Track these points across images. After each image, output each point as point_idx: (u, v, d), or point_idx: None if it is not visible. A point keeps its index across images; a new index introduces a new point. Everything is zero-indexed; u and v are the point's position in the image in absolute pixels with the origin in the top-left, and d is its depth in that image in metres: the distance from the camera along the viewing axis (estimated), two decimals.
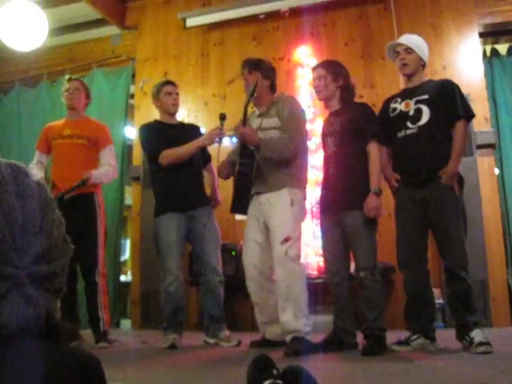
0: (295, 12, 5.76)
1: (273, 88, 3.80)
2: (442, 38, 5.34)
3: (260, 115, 3.69)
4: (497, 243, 4.93)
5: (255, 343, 3.64)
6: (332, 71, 3.58)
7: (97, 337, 3.92)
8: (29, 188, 0.80)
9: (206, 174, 4.18)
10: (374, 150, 3.40)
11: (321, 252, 3.81)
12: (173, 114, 4.15)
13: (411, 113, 3.39)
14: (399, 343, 3.32)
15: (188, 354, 3.58)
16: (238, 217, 4.21)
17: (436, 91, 3.37)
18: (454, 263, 3.20)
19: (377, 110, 3.87)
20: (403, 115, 3.42)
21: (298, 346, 3.23)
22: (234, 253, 5.00)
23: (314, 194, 4.77)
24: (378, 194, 3.32)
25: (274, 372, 1.75)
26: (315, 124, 5.29)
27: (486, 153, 5.06)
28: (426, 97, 3.36)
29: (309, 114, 5.19)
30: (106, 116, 5.93)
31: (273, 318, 3.54)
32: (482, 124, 5.00)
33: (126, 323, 6.24)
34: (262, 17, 5.86)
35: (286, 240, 3.39)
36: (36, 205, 0.79)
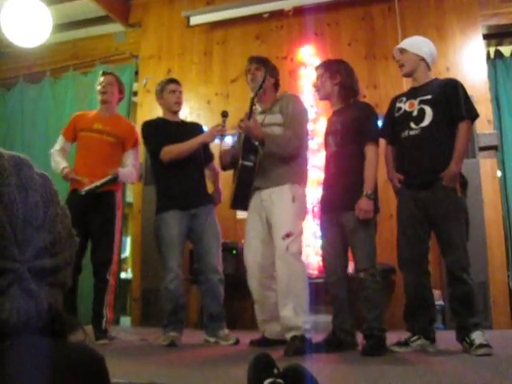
0: (299, 11, 5.74)
1: (276, 86, 3.82)
2: (446, 39, 5.33)
3: (263, 112, 3.70)
4: (498, 245, 4.92)
5: (255, 342, 3.64)
6: (329, 69, 3.60)
7: (97, 333, 3.92)
8: (32, 181, 0.79)
9: (208, 173, 4.18)
10: (371, 152, 3.40)
11: (321, 252, 3.81)
12: (176, 112, 4.16)
13: (415, 113, 3.38)
14: (399, 344, 3.32)
15: (187, 352, 3.58)
16: (239, 213, 4.21)
17: (439, 91, 3.36)
18: (455, 265, 3.19)
19: (379, 110, 3.88)
20: (407, 115, 3.41)
21: (298, 345, 3.23)
22: (234, 251, 5.00)
23: (315, 193, 4.77)
24: (370, 197, 3.31)
25: (275, 371, 1.75)
26: (318, 123, 5.28)
27: (489, 155, 5.05)
28: (429, 97, 3.35)
29: (311, 114, 5.18)
30: None
31: (273, 315, 3.54)
32: (484, 126, 4.99)
33: (125, 320, 6.24)
34: (265, 16, 5.85)
35: (288, 235, 3.39)
36: (39, 198, 0.78)
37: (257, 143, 3.52)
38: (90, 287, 4.14)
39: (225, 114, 3.85)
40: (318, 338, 3.45)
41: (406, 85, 3.84)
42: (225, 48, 6.11)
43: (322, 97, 3.71)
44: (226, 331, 3.88)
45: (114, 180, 3.98)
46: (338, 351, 3.30)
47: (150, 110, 5.89)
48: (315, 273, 4.81)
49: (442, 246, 3.32)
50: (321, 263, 4.57)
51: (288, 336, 3.34)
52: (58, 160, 4.14)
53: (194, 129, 4.16)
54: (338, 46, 5.66)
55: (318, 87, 3.67)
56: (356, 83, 3.63)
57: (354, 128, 3.45)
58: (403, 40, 3.68)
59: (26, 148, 6.54)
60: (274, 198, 3.52)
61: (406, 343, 3.31)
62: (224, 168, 3.91)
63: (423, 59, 3.48)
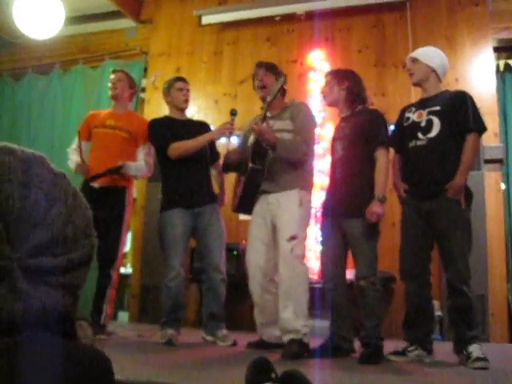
0: (311, 15, 5.76)
1: (283, 92, 3.82)
2: (456, 50, 5.33)
3: (272, 117, 3.70)
4: (499, 258, 4.92)
5: (253, 344, 3.64)
6: (337, 75, 3.63)
7: (95, 328, 3.93)
8: (38, 178, 0.78)
9: (213, 172, 4.18)
10: (382, 157, 3.40)
11: (320, 256, 3.82)
12: (183, 110, 4.17)
13: (423, 124, 3.38)
14: (396, 353, 3.31)
15: (185, 351, 3.59)
16: (242, 215, 4.21)
17: (448, 102, 3.36)
18: (456, 277, 3.19)
19: (387, 118, 3.87)
20: (415, 125, 3.42)
21: (296, 349, 3.24)
22: (235, 252, 5.01)
23: (318, 198, 4.77)
24: (383, 200, 3.31)
25: (273, 375, 1.75)
26: (324, 129, 5.29)
27: (494, 168, 5.06)
28: (437, 108, 3.35)
29: (319, 119, 5.19)
30: None
31: (272, 319, 3.54)
32: (491, 139, 5.00)
33: (123, 315, 6.26)
34: (277, 19, 5.86)
35: (293, 238, 3.40)
36: (42, 196, 0.76)
37: (267, 147, 3.53)
38: (91, 280, 4.14)
39: (234, 113, 3.86)
40: (314, 342, 3.46)
41: (415, 94, 3.85)
42: (235, 49, 6.13)
43: (329, 102, 3.72)
44: (225, 332, 3.88)
45: (118, 170, 3.98)
46: (335, 357, 3.30)
47: (158, 106, 5.90)
48: (315, 277, 4.82)
49: (443, 258, 3.32)
50: (320, 266, 4.59)
51: (286, 339, 3.34)
52: (73, 158, 4.19)
53: (201, 127, 4.16)
54: (348, 53, 5.67)
55: (325, 93, 3.69)
56: (364, 91, 3.63)
57: (362, 133, 3.46)
58: (414, 49, 3.70)
59: (32, 139, 6.57)
60: (281, 202, 3.53)
61: (403, 353, 3.31)
62: (225, 168, 3.93)
63: (434, 70, 3.48)
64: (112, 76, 4.34)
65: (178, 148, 3.89)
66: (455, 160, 3.26)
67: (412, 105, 3.60)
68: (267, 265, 3.60)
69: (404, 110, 3.61)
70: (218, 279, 3.89)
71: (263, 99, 3.77)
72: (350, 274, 3.71)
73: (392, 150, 3.60)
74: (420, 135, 3.37)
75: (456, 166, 3.25)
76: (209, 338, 3.89)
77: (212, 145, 4.07)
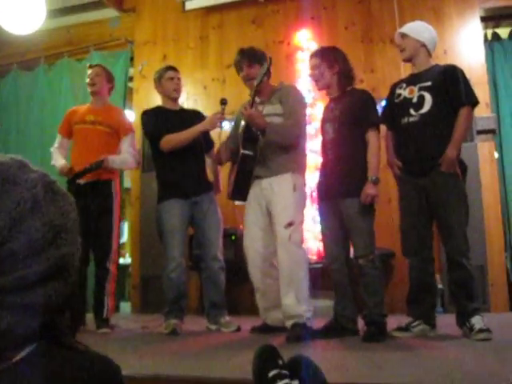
0: None
1: (268, 76, 3.77)
2: (444, 22, 5.30)
3: (262, 102, 3.67)
4: (496, 228, 4.94)
5: (256, 329, 3.66)
6: (326, 58, 3.56)
7: (98, 322, 3.94)
8: None
9: (208, 160, 4.17)
10: (373, 138, 3.40)
11: (320, 237, 3.82)
12: (175, 99, 4.14)
13: (414, 100, 3.37)
14: (400, 329, 3.34)
15: (189, 340, 3.59)
16: (238, 203, 4.21)
17: (439, 77, 3.35)
18: (455, 250, 3.21)
19: (376, 94, 3.86)
20: (407, 102, 3.41)
21: (300, 332, 3.25)
22: (233, 237, 5.00)
23: (313, 178, 4.77)
24: (376, 182, 3.31)
25: (280, 362, 1.75)
26: (315, 109, 5.26)
27: (487, 138, 5.06)
28: (429, 83, 3.34)
29: (308, 99, 5.17)
30: None
31: (275, 303, 3.55)
32: (482, 109, 4.97)
33: (124, 306, 6.27)
34: (262, 0, 5.80)
35: (290, 224, 3.40)
36: None
37: (258, 132, 3.51)
38: (91, 276, 4.14)
39: (224, 102, 3.84)
40: (317, 323, 3.47)
41: (404, 69, 3.83)
42: (221, 33, 6.07)
43: (322, 87, 3.66)
44: (228, 318, 3.90)
45: (99, 166, 3.96)
46: (340, 337, 3.31)
47: (146, 95, 5.88)
48: (314, 258, 4.83)
49: (441, 232, 3.33)
50: (320, 248, 4.60)
51: (289, 323, 3.36)
52: (57, 158, 4.18)
53: (194, 116, 4.13)
54: (335, 30, 5.63)
55: (316, 77, 3.61)
56: (352, 70, 3.61)
57: (353, 115, 3.44)
58: (401, 23, 3.67)
59: (21, 135, 6.53)
60: (274, 187, 3.52)
61: (406, 328, 3.33)
62: (220, 165, 3.92)
63: (424, 45, 3.46)
64: (89, 71, 4.30)
65: (171, 141, 3.88)
66: (448, 135, 3.26)
67: (402, 80, 3.58)
68: (266, 250, 3.60)
69: (394, 86, 3.59)
70: (216, 268, 3.90)
71: (251, 88, 3.74)
72: (350, 254, 3.71)
73: (383, 128, 3.58)
74: (412, 111, 3.36)
75: (448, 141, 3.24)
76: (212, 326, 3.90)
77: (206, 133, 4.05)
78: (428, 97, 3.32)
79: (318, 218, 3.98)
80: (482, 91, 4.94)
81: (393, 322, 3.38)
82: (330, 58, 3.57)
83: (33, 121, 6.54)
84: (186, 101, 5.85)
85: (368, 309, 3.31)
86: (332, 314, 3.52)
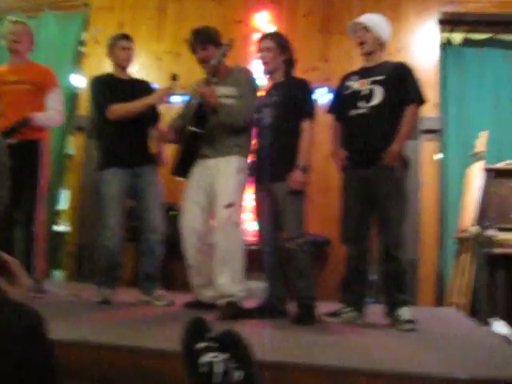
0: None
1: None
2: (400, 20, 5.39)
3: (216, 83, 3.64)
4: (431, 226, 5.11)
5: (189, 304, 3.66)
6: (280, 44, 3.57)
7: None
8: None
9: (153, 132, 4.13)
10: (307, 128, 3.44)
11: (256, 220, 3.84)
12: (125, 68, 4.07)
13: (364, 92, 3.42)
14: (330, 314, 3.41)
15: (121, 310, 3.58)
16: (179, 178, 4.19)
17: (392, 73, 3.41)
18: (391, 243, 3.30)
19: (330, 83, 3.90)
20: (356, 94, 3.45)
21: (232, 310, 3.28)
22: (172, 213, 4.97)
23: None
24: (304, 169, 3.37)
25: (209, 335, 1.77)
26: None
27: (431, 138, 5.20)
28: (381, 77, 3.39)
29: (262, 81, 5.15)
30: (54, 61, 5.69)
31: (208, 281, 3.56)
32: (430, 110, 5.10)
33: (58, 274, 6.15)
34: None
35: (230, 205, 3.41)
36: None
37: (209, 111, 3.50)
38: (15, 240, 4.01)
39: (174, 78, 3.81)
40: (250, 303, 3.51)
41: (357, 60, 3.85)
42: (180, 6, 5.98)
43: (270, 70, 3.62)
44: (160, 291, 3.90)
45: (24, 123, 3.84)
46: (271, 318, 3.36)
47: (98, 61, 5.73)
48: (251, 239, 4.85)
49: (379, 223, 3.41)
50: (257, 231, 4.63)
51: (222, 302, 3.38)
52: None
53: (142, 87, 4.09)
54: (294, 17, 5.64)
55: (266, 59, 3.58)
56: (295, 58, 3.65)
57: (291, 102, 3.47)
58: (364, 15, 3.64)
59: None
60: (220, 167, 3.52)
61: (337, 314, 3.41)
62: (168, 143, 3.89)
63: (383, 42, 3.52)
64: (12, 28, 4.08)
65: (117, 110, 3.83)
66: (394, 129, 3.32)
67: (353, 73, 3.61)
68: (202, 228, 3.61)
69: (344, 79, 3.63)
70: (154, 240, 3.89)
71: (206, 70, 3.70)
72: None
73: (331, 119, 3.62)
74: (361, 104, 3.41)
75: (394, 135, 3.31)
76: (145, 298, 3.89)
77: (153, 106, 4.00)
78: (379, 90, 3.38)
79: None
80: (432, 92, 5.08)
81: (325, 308, 3.45)
82: (283, 43, 3.58)
83: None
84: (139, 72, 5.72)
85: (297, 292, 3.37)
86: (264, 296, 3.56)
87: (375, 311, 3.52)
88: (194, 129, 3.53)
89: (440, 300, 5.06)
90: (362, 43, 3.52)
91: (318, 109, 3.61)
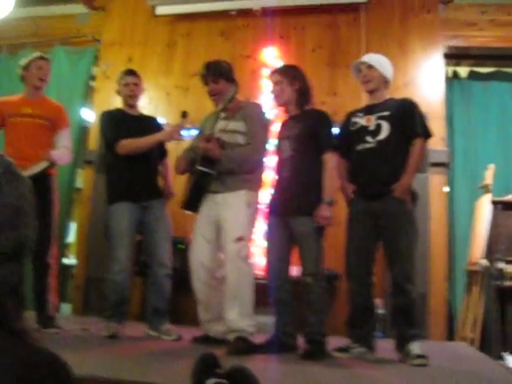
0: (267, 12, 5.76)
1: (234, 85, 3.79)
2: (407, 55, 5.45)
3: (226, 118, 3.67)
4: (440, 259, 5.07)
5: (197, 339, 3.63)
6: (287, 75, 3.62)
7: (44, 321, 3.82)
8: None
9: (160, 168, 4.17)
10: (330, 160, 3.45)
11: (265, 254, 3.83)
12: (131, 106, 4.11)
13: (371, 128, 3.45)
14: (340, 350, 3.38)
15: (129, 344, 3.55)
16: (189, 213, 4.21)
17: (397, 108, 3.45)
18: (401, 276, 3.27)
19: (338, 117, 3.92)
20: (363, 129, 3.49)
21: (241, 345, 3.25)
22: (181, 246, 4.97)
23: (266, 195, 4.78)
24: (330, 204, 3.36)
25: (219, 371, 1.75)
26: (274, 126, 5.29)
27: (439, 171, 5.20)
28: (387, 113, 3.44)
29: (271, 116, 5.20)
30: (65, 96, 5.81)
31: (217, 316, 3.54)
32: (437, 143, 5.12)
33: (65, 307, 6.13)
34: (233, 13, 5.85)
35: (240, 239, 3.41)
36: None
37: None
38: (28, 272, 4.01)
39: (184, 115, 3.85)
40: (259, 338, 3.48)
41: (364, 94, 3.90)
42: (189, 41, 6.07)
43: (281, 103, 3.69)
44: (169, 326, 3.87)
45: (51, 166, 3.92)
46: (280, 353, 3.33)
47: (108, 96, 5.81)
48: (260, 273, 4.83)
49: (389, 257, 3.39)
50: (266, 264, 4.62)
51: (231, 337, 3.35)
52: None
53: (151, 123, 4.15)
54: (302, 51, 5.71)
55: (276, 93, 3.65)
56: (310, 89, 3.68)
57: (311, 134, 3.49)
58: (367, 51, 3.74)
59: None
60: (229, 202, 3.52)
61: (346, 349, 3.37)
62: (180, 174, 3.90)
63: (387, 81, 3.58)
64: (41, 63, 4.12)
65: (126, 146, 3.86)
66: (402, 162, 3.35)
67: (358, 110, 3.65)
68: (210, 263, 3.60)
69: (350, 115, 3.67)
70: (163, 274, 3.88)
71: (216, 103, 3.75)
72: (294, 271, 3.74)
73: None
74: (369, 139, 3.44)
75: (403, 168, 3.34)
76: (153, 332, 3.87)
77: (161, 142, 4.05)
78: (386, 125, 3.41)
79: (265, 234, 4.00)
80: (438, 125, 5.10)
81: (334, 343, 3.42)
82: (290, 74, 3.62)
83: None
84: (148, 106, 5.81)
85: (309, 326, 3.34)
86: (273, 330, 3.54)
87: (385, 346, 3.48)
88: (204, 169, 3.54)
89: (451, 334, 5.00)
90: (367, 81, 3.58)
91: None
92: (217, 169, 3.52)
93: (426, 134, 3.45)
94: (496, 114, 5.64)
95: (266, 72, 5.62)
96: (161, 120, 4.38)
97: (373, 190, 3.41)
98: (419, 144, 3.38)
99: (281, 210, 3.52)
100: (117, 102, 4.24)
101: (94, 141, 5.93)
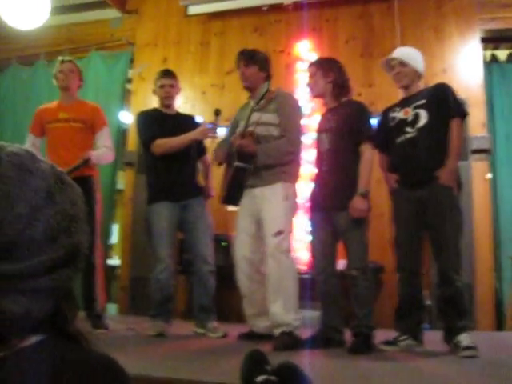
0: (298, 6, 5.72)
1: (268, 79, 3.80)
2: (444, 41, 5.34)
3: (258, 110, 3.68)
4: (486, 248, 4.96)
5: (243, 335, 3.65)
6: (321, 67, 3.61)
7: (93, 321, 3.88)
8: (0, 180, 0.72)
9: (200, 166, 4.20)
10: (367, 152, 3.43)
11: (310, 249, 3.83)
12: (167, 106, 4.15)
13: (410, 118, 3.41)
14: (387, 343, 3.35)
15: (176, 343, 3.59)
16: (230, 208, 4.24)
17: (431, 94, 3.42)
18: (448, 266, 3.22)
19: (375, 109, 3.88)
20: (402, 122, 3.45)
21: (287, 340, 3.26)
22: (224, 244, 5.00)
23: (307, 189, 4.77)
24: (365, 195, 3.33)
25: (268, 368, 1.76)
26: (312, 119, 5.28)
27: (481, 158, 5.09)
28: (423, 101, 3.40)
29: (307, 109, 5.19)
30: (103, 100, 5.88)
31: (261, 310, 3.56)
32: (478, 129, 5.02)
33: (111, 308, 6.23)
34: (264, 9, 5.83)
35: (279, 233, 3.41)
36: (3, 197, 0.71)
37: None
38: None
39: (217, 113, 3.86)
40: (305, 332, 3.48)
41: (402, 94, 3.85)
42: (222, 39, 6.09)
43: (315, 95, 3.72)
44: (215, 323, 3.90)
45: (86, 163, 3.95)
46: (327, 348, 3.32)
47: (145, 97, 5.88)
48: (304, 268, 4.83)
49: (434, 246, 3.34)
50: (310, 259, 4.61)
51: (277, 332, 3.36)
52: None
53: (188, 122, 4.16)
54: (336, 43, 5.66)
55: (311, 86, 3.68)
56: (348, 81, 3.65)
57: (348, 127, 3.47)
58: (403, 40, 3.69)
59: (17, 131, 6.47)
60: (266, 196, 3.54)
61: (394, 342, 3.34)
62: (219, 163, 3.93)
63: (420, 75, 3.54)
64: (61, 67, 4.21)
65: (161, 145, 3.90)
66: (444, 147, 3.30)
67: (395, 105, 3.62)
68: (253, 256, 3.62)
69: (387, 111, 3.63)
70: (206, 271, 3.90)
71: (248, 89, 3.80)
72: (339, 265, 3.72)
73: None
74: (408, 129, 3.41)
75: (445, 154, 3.29)
76: (199, 330, 3.90)
77: (198, 140, 4.07)
78: (423, 113, 3.37)
79: (309, 229, 4.00)
80: (478, 111, 5.00)
81: (381, 336, 3.39)
82: (325, 67, 3.61)
83: (29, 116, 6.50)
84: (184, 105, 5.85)
85: (356, 320, 3.32)
86: (319, 325, 3.52)
87: (433, 338, 3.43)
88: (241, 165, 3.56)
89: (499, 324, 4.90)
90: (400, 78, 3.54)
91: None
92: (253, 163, 3.53)
93: (462, 114, 3.40)
94: None
95: (300, 66, 5.61)
96: (198, 119, 4.39)
97: (415, 178, 3.37)
98: (456, 124, 3.33)
99: (323, 205, 3.51)
100: (154, 104, 4.29)
101: (132, 142, 6.01)
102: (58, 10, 6.40)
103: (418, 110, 3.39)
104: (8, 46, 6.86)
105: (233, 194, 3.67)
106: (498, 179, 5.40)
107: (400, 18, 5.43)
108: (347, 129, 3.47)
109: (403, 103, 3.54)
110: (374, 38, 5.58)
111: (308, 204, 3.83)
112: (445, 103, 3.35)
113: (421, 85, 3.57)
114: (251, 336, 3.62)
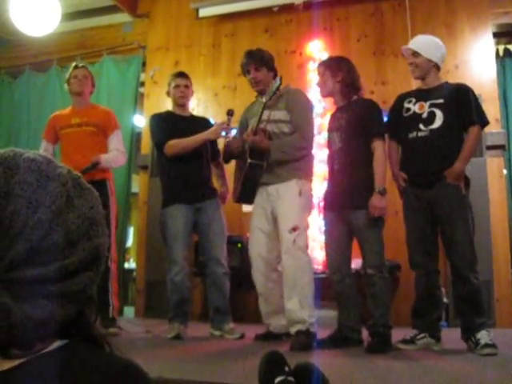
0: (309, 5, 5.71)
1: (275, 76, 3.79)
2: (456, 36, 5.31)
3: (268, 107, 3.67)
4: (503, 243, 4.93)
5: (260, 336, 3.66)
6: (330, 67, 3.60)
7: (106, 322, 3.92)
8: (21, 185, 0.73)
9: (214, 169, 4.21)
10: (379, 148, 3.41)
11: (325, 249, 3.82)
12: (181, 106, 4.16)
13: (424, 115, 3.38)
14: (405, 341, 3.33)
15: (193, 345, 3.60)
16: (245, 207, 4.25)
17: (451, 95, 3.36)
18: (461, 263, 3.20)
19: (388, 106, 3.86)
20: (417, 117, 3.41)
21: (304, 340, 3.25)
22: (239, 245, 5.01)
23: (321, 188, 4.77)
24: (383, 192, 3.31)
25: (286, 369, 1.75)
26: (325, 118, 5.27)
27: (496, 154, 5.05)
28: (441, 101, 3.35)
29: (319, 109, 5.19)
30: (116, 103, 5.93)
31: (277, 308, 3.56)
32: (492, 125, 4.94)
33: (128, 310, 6.26)
34: (275, 9, 5.83)
35: (294, 229, 3.41)
36: (24, 204, 0.71)
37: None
38: None
39: (230, 113, 3.87)
40: (321, 332, 3.47)
41: (415, 82, 3.83)
42: (233, 41, 6.10)
43: (325, 94, 3.72)
44: (232, 325, 3.90)
45: (95, 166, 3.97)
46: (344, 347, 3.31)
47: (157, 101, 5.91)
48: (319, 268, 4.82)
49: (446, 245, 3.33)
50: (325, 258, 4.60)
51: (293, 330, 3.36)
52: None
53: (201, 123, 4.17)
54: (347, 42, 5.65)
55: (320, 85, 3.68)
56: (358, 79, 3.62)
57: (359, 124, 3.46)
58: (414, 38, 3.64)
59: (32, 137, 6.54)
60: (281, 193, 3.54)
61: (411, 341, 3.32)
62: (226, 161, 3.94)
63: (436, 65, 3.48)
64: (75, 73, 4.26)
65: (174, 146, 3.91)
66: (456, 151, 3.29)
67: (410, 94, 3.57)
68: (269, 254, 3.62)
69: (401, 99, 3.59)
70: (220, 273, 3.91)
71: (258, 92, 3.81)
72: (355, 264, 3.71)
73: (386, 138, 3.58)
74: (422, 127, 3.37)
75: (456, 157, 3.27)
76: (216, 332, 3.91)
77: (213, 142, 4.08)
78: (439, 113, 3.33)
79: (323, 228, 4.00)
80: (492, 107, 4.96)
81: (398, 334, 3.37)
82: (333, 66, 3.60)
83: (44, 122, 6.56)
84: (197, 107, 5.88)
85: (374, 319, 3.30)
86: (336, 325, 3.52)
87: (451, 336, 3.41)
88: (254, 161, 3.55)
89: None
90: (412, 69, 3.51)
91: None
92: (267, 160, 3.53)
93: (483, 122, 3.36)
94: None
95: (312, 66, 5.61)
96: (212, 121, 4.40)
97: (425, 179, 3.35)
98: (475, 132, 3.30)
99: (337, 205, 3.49)
100: (166, 107, 4.31)
101: (146, 146, 6.03)
102: (70, 15, 6.45)
103: (433, 109, 3.36)
104: (21, 53, 6.94)
105: (247, 191, 3.67)
106: None
107: (411, 14, 5.41)
108: (358, 127, 3.46)
109: (419, 96, 3.49)
110: (385, 36, 5.56)
111: (322, 203, 3.82)
112: (466, 108, 3.31)
113: (440, 77, 3.52)
114: (268, 336, 3.62)
